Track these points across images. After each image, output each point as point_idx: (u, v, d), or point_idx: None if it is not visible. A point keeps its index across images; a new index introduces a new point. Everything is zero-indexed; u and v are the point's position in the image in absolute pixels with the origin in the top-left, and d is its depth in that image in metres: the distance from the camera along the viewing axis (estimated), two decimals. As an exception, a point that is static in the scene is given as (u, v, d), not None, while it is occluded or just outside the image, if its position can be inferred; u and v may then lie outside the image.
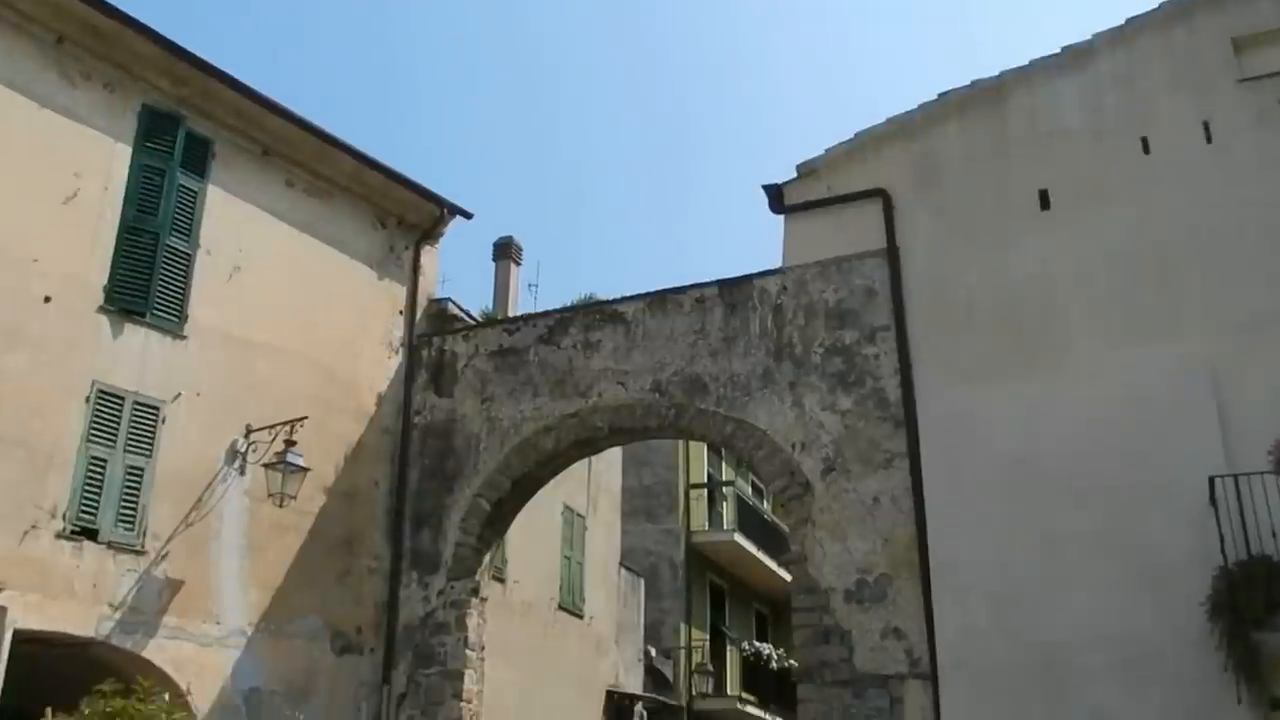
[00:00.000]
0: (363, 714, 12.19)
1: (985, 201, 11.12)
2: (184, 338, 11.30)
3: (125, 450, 10.54)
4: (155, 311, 11.11)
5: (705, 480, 23.48)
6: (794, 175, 12.11)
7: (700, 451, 23.49)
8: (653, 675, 20.03)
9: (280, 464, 11.31)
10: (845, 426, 11.30)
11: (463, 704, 12.20)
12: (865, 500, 10.93)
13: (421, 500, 13.19)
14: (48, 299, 10.23)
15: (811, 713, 10.37)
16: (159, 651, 10.23)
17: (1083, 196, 10.66)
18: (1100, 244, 10.45)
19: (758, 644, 23.57)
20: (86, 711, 4.91)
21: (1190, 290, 9.99)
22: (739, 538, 22.46)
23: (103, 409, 10.45)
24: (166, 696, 5.10)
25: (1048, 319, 10.49)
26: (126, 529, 10.41)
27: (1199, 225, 10.10)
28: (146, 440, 10.74)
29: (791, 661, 23.51)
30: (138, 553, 10.42)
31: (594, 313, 13.21)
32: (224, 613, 11.06)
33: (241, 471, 11.53)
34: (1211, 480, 9.01)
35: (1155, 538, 9.37)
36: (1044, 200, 10.88)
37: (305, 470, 11.46)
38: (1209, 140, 10.34)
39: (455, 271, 44.92)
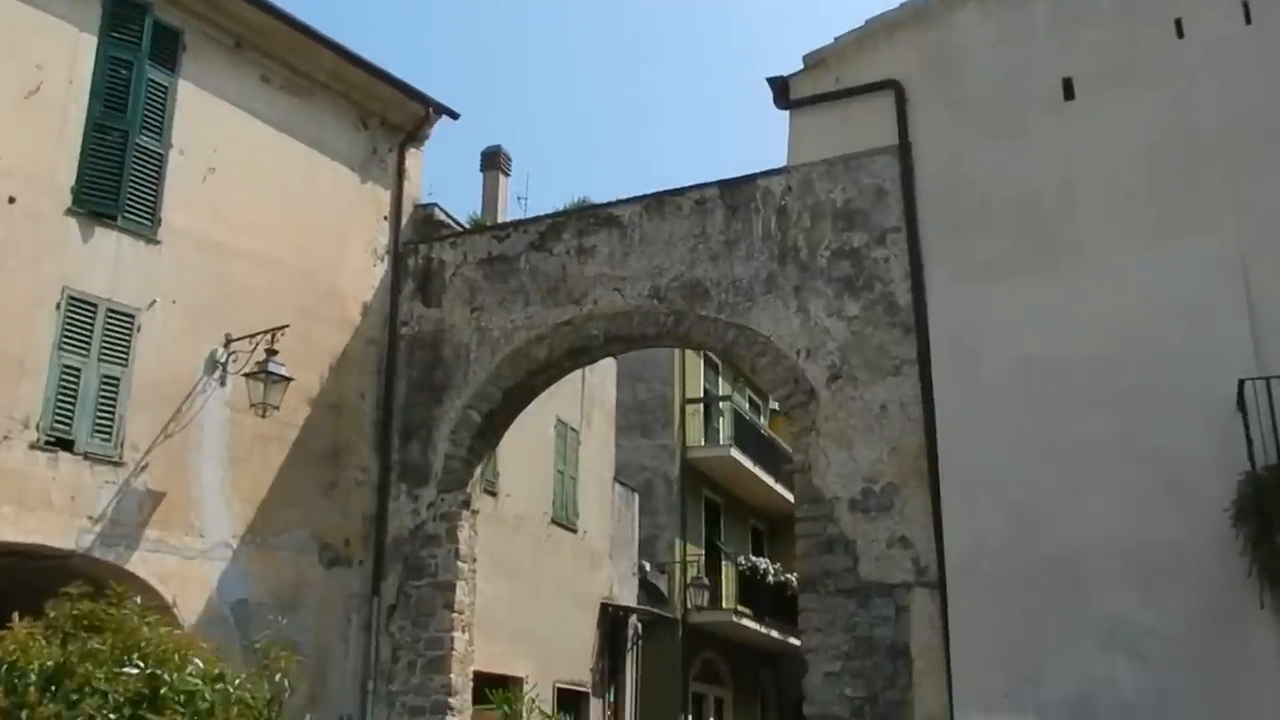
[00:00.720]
0: (352, 625, 11.95)
1: (1004, 92, 10.50)
2: (157, 243, 10.76)
3: (100, 359, 10.07)
4: (126, 215, 10.54)
5: (701, 395, 23.13)
6: (800, 67, 11.46)
7: (696, 366, 23.11)
8: (647, 590, 19.90)
9: (262, 374, 10.86)
10: (852, 333, 10.85)
11: (454, 615, 11.94)
12: (872, 408, 10.53)
13: (409, 412, 12.78)
14: (12, 200, 9.66)
15: (814, 622, 10.10)
16: (142, 564, 9.92)
17: (1109, 84, 10.05)
18: (1127, 135, 9.87)
19: (754, 558, 23.45)
20: (52, 614, 4.53)
21: (1222, 183, 9.46)
22: (735, 453, 22.18)
23: (74, 316, 9.97)
24: (139, 600, 4.68)
25: (1069, 216, 9.97)
26: (103, 440, 9.98)
27: (1234, 113, 9.52)
28: (121, 349, 10.26)
29: (788, 575, 23.53)
30: (116, 464, 10.01)
31: (588, 217, 12.65)
32: (207, 525, 10.71)
33: (222, 382, 11.07)
34: (1241, 383, 8.61)
35: (1178, 443, 9.00)
36: (1068, 89, 10.26)
37: (288, 380, 11.01)
38: (1248, 21, 9.69)
39: (441, 184, 44.11)
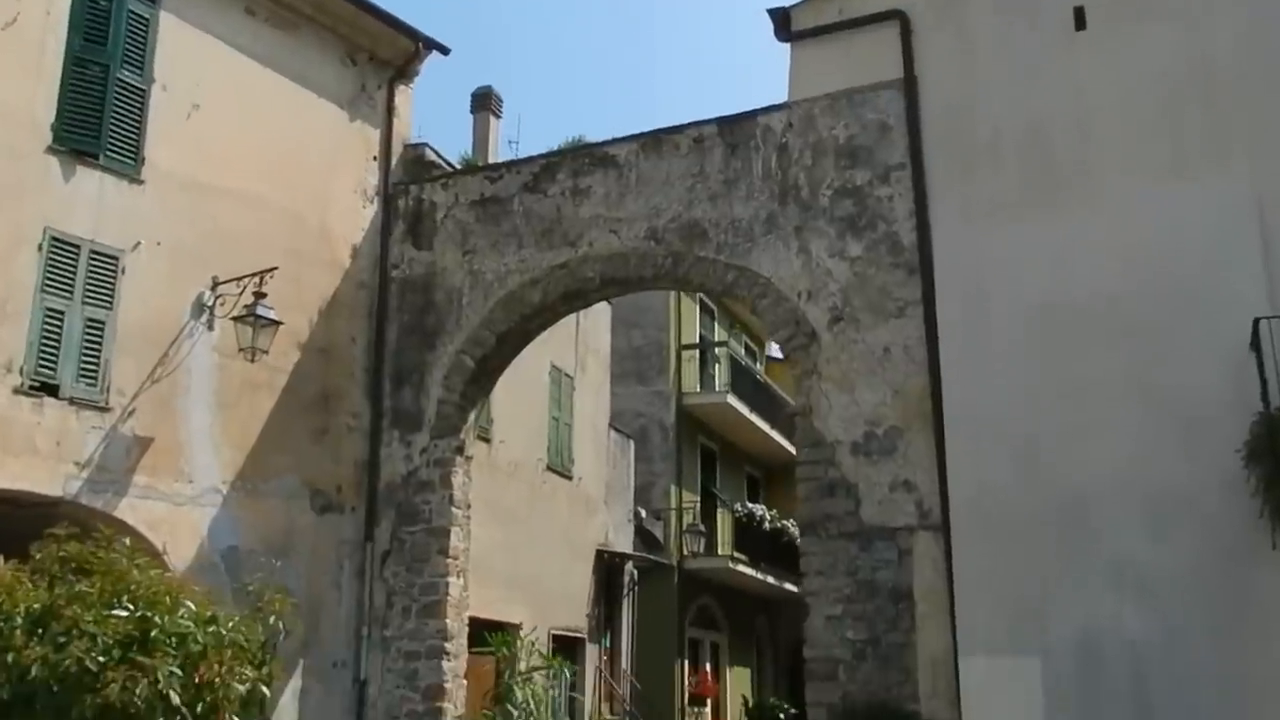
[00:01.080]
0: (345, 572, 11.82)
1: (1013, 23, 10.17)
2: (141, 182, 10.45)
3: (84, 302, 9.81)
4: (109, 153, 10.23)
5: (697, 341, 22.92)
6: (802, -2, 11.11)
7: (692, 312, 22.87)
8: (643, 536, 19.83)
9: (250, 317, 10.59)
10: (855, 274, 10.62)
11: (449, 560, 11.81)
12: (875, 350, 10.33)
13: (401, 357, 12.54)
14: (-11, 135, 9.36)
15: (815, 565, 9.99)
16: (130, 511, 9.73)
17: (1122, 14, 9.73)
18: (1140, 67, 9.58)
19: (750, 505, 23.40)
20: (38, 556, 4.33)
21: (1239, 117, 9.18)
22: (731, 399, 22.01)
23: (57, 258, 9.69)
24: (128, 541, 4.49)
25: (1079, 152, 9.70)
26: (89, 384, 9.74)
27: (1252, 44, 9.22)
28: (106, 292, 10.00)
29: (784, 522, 23.51)
30: (102, 409, 9.78)
31: (583, 156, 12.33)
32: (196, 472, 10.51)
33: (209, 326, 10.81)
34: (1256, 322, 8.41)
35: (1190, 383, 8.82)
36: (1079, 19, 9.92)
37: (277, 324, 10.76)
38: (1268, -52, 9.38)
39: (430, 127, 43.44)
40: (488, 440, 14.29)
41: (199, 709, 4.07)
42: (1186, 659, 8.31)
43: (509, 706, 5.94)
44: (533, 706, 5.90)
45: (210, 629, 4.29)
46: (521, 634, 6.13)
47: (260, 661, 4.46)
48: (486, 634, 6.30)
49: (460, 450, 12.22)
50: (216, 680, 4.14)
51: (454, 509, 12.02)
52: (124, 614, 4.08)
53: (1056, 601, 8.81)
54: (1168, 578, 8.54)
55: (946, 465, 9.57)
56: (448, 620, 11.67)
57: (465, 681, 11.90)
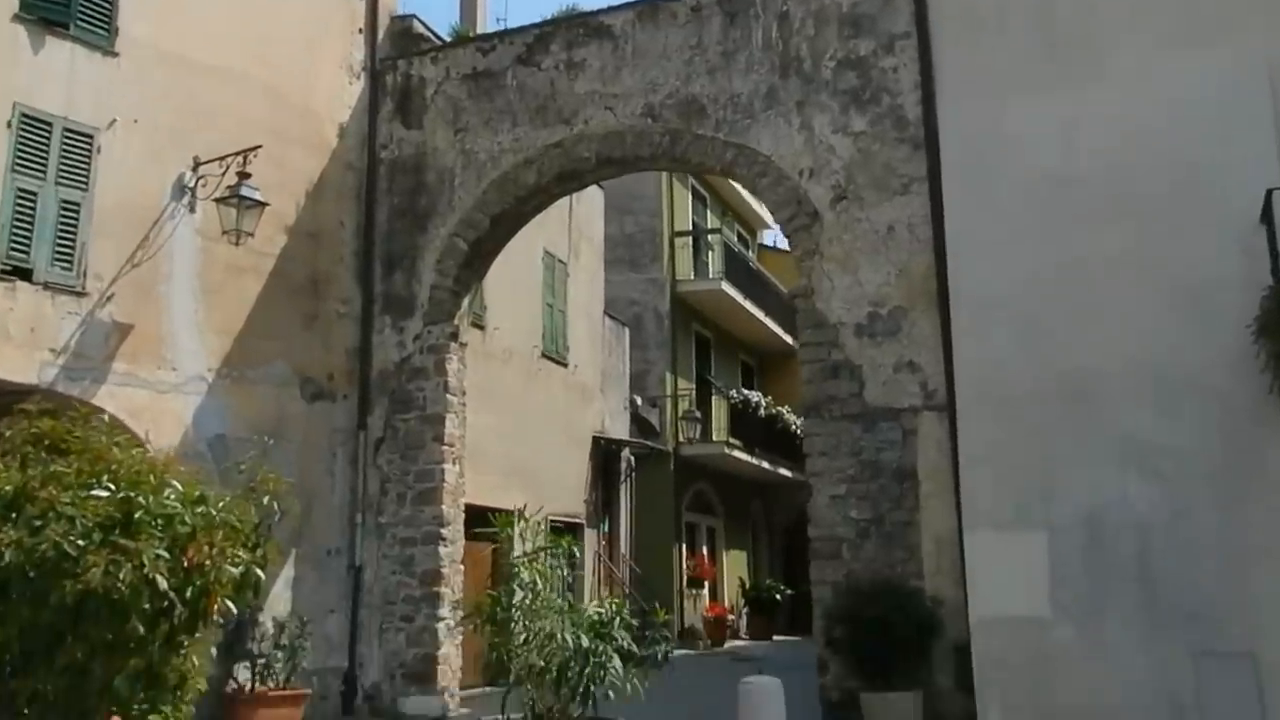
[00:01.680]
0: (338, 460, 11.69)
1: (1025, -119, 9.59)
2: (115, 55, 9.96)
3: (57, 183, 9.42)
4: (80, 23, 9.72)
5: (690, 228, 22.54)
6: None
7: (685, 198, 22.46)
8: (639, 424, 19.78)
9: (233, 198, 10.21)
10: (858, 150, 10.26)
11: (444, 447, 11.68)
12: (879, 229, 10.04)
13: (392, 241, 12.20)
14: (-52, 3, 8.85)
15: (818, 446, 9.88)
16: (110, 398, 9.41)
17: None
18: (1156, -73, 9.07)
19: (745, 391, 23.34)
20: (8, 434, 4.09)
21: (1256, -19, 8.74)
22: (726, 286, 21.77)
23: (27, 135, 9.28)
24: (106, 416, 4.25)
25: (1089, 20, 9.19)
26: (64, 269, 9.41)
27: (1279, -102, 8.71)
28: (81, 172, 9.60)
29: (779, 409, 23.50)
30: (79, 294, 9.47)
31: (577, 26, 11.79)
32: (180, 359, 10.25)
33: (191, 208, 10.43)
34: (1269, 193, 8.10)
35: (1199, 258, 8.56)
36: (1093, -122, 9.37)
37: (262, 205, 10.38)
38: None
39: (414, 2, 41.88)
40: (481, 327, 14.03)
41: (189, 593, 3.88)
42: (1191, 534, 8.24)
43: (515, 586, 5.79)
44: (541, 586, 5.76)
45: (199, 510, 4.07)
46: (526, 515, 5.95)
47: (254, 543, 4.25)
48: (490, 515, 6.14)
49: (454, 336, 11.99)
50: (207, 563, 3.94)
51: (449, 396, 11.84)
52: (104, 495, 3.85)
53: (1062, 479, 8.68)
54: (1174, 455, 8.41)
55: (952, 345, 9.34)
56: (444, 506, 11.59)
57: (462, 567, 11.89)
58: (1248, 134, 8.60)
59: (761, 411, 22.92)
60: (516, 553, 6.14)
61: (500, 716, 5.95)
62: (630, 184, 19.93)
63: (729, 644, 20.75)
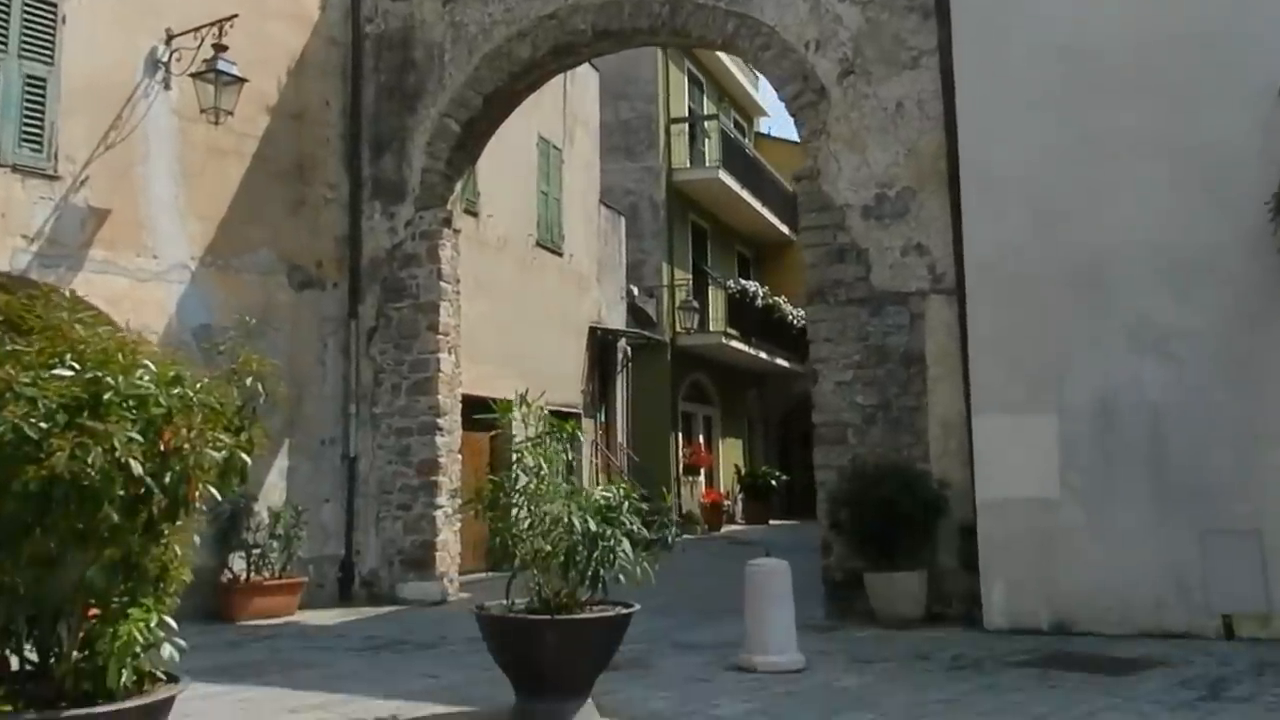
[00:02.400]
0: (329, 349, 11.40)
1: None
2: (75, -84, 9.31)
3: (20, 56, 8.90)
4: (33, -118, 9.05)
5: (686, 115, 21.89)
6: None
7: (680, 83, 21.77)
8: (635, 314, 19.49)
9: (210, 73, 9.70)
10: (866, 20, 9.74)
11: (439, 336, 11.39)
12: (887, 106, 9.59)
13: (380, 122, 11.70)
14: None
15: (823, 332, 9.61)
16: (87, 286, 9.01)
17: None
18: None
19: (743, 281, 23.01)
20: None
21: None
22: (723, 175, 21.23)
23: (-14, 7, 8.71)
24: (68, 292, 3.92)
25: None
26: (33, 150, 8.95)
27: None
28: (45, 45, 9.07)
29: (776, 299, 23.22)
30: (50, 178, 9.02)
31: (569, -111, 11.06)
32: (160, 245, 9.86)
33: (166, 85, 9.92)
34: (1290, 70, 7.72)
35: (1217, 136, 8.29)
36: None
37: (241, 81, 9.87)
38: None
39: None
40: (475, 214, 13.60)
41: (167, 479, 3.60)
42: (1203, 416, 8.12)
43: (519, 471, 5.56)
44: (546, 470, 5.53)
45: (175, 391, 3.76)
46: (529, 400, 5.69)
47: (238, 427, 3.96)
48: (491, 403, 5.88)
49: (447, 222, 11.59)
50: (186, 447, 3.65)
51: (443, 284, 11.50)
52: (69, 375, 3.54)
53: (1074, 362, 8.49)
54: (1188, 337, 8.24)
55: (962, 226, 9.02)
56: (440, 396, 11.37)
57: (460, 456, 11.73)
58: (1268, 7, 8.29)
59: (759, 301, 22.64)
60: (519, 438, 5.88)
61: (505, 601, 5.79)
62: (625, 67, 19.30)
63: (725, 529, 20.91)
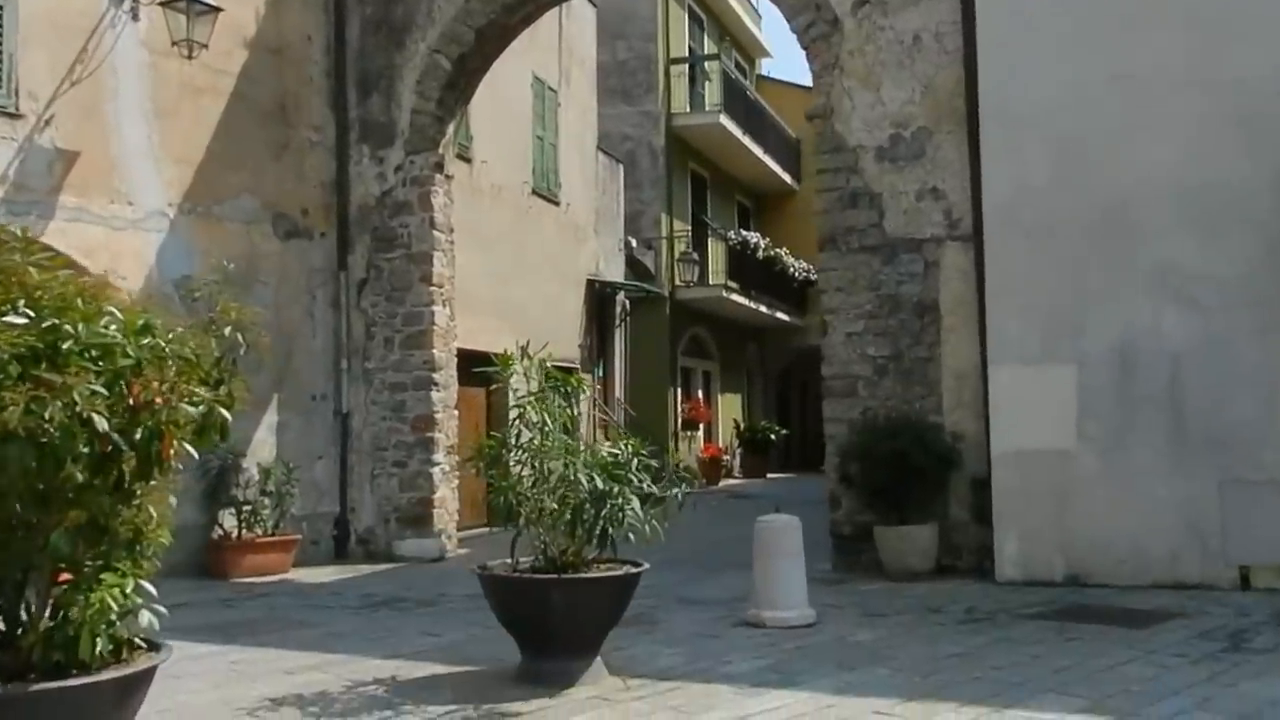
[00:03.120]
0: (318, 302, 10.97)
1: None
2: None
3: (-27, -18, 8.33)
4: None
5: (686, 55, 21.26)
6: None
7: (681, 21, 21.12)
8: (633, 266, 19.04)
9: (181, 1, 9.11)
10: (882, -56, 9.22)
11: (432, 288, 10.98)
12: (904, 39, 9.12)
13: (367, 59, 11.17)
14: None
15: (834, 281, 9.22)
16: (60, 236, 8.55)
17: None
18: None
19: (744, 232, 22.54)
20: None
21: None
22: (724, 119, 20.66)
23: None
24: (18, 230, 3.52)
25: None
26: (-7, 85, 8.43)
27: None
28: (1, -30, 8.50)
29: (777, 250, 22.78)
30: (12, 116, 8.50)
31: None
32: (136, 191, 9.39)
33: (134, 15, 9.33)
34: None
35: (1249, 73, 7.92)
36: None
37: (215, 10, 9.35)
38: None
39: None
40: (468, 160, 13.11)
41: (137, 436, 3.22)
42: (1225, 364, 7.85)
43: (522, 426, 5.20)
44: (551, 426, 5.17)
45: (145, 341, 3.37)
46: (531, 353, 5.32)
47: (216, 379, 3.58)
48: (493, 357, 5.50)
49: (440, 167, 11.13)
50: (157, 401, 3.26)
51: (435, 232, 11.07)
52: (22, 322, 3.14)
53: (1094, 310, 8.15)
54: (1213, 283, 7.93)
55: (981, 168, 8.61)
56: (435, 350, 10.99)
57: (456, 412, 11.38)
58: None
59: (760, 254, 22.20)
60: (521, 392, 5.52)
61: (510, 560, 5.49)
62: (623, 3, 18.70)
63: (723, 483, 20.67)
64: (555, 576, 5.25)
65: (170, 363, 3.47)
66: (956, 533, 8.72)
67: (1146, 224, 8.08)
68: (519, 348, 5.60)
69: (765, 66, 27.62)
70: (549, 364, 5.60)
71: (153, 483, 3.48)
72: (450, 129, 11.29)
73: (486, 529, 12.43)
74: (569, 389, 5.39)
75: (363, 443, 11.07)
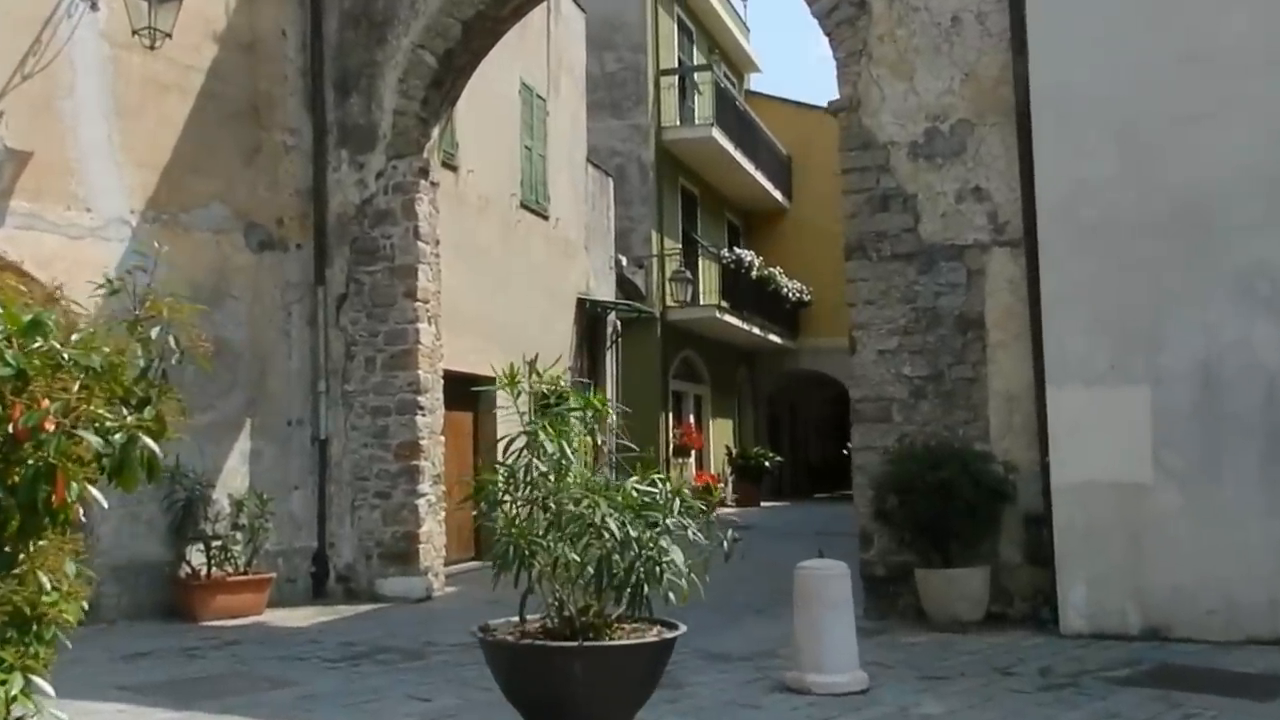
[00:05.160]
0: (294, 319, 10.03)
1: None
2: None
3: (-87, -33, 7.41)
4: None
5: (676, 66, 20.48)
6: None
7: (670, 31, 20.37)
8: (623, 286, 18.11)
9: (141, -15, 8.23)
10: (916, -84, 8.40)
11: (418, 304, 10.04)
12: (941, 21, 8.28)
13: (346, 55, 10.27)
14: None
15: (864, 294, 8.32)
16: (11, 244, 7.77)
17: None
18: None
19: (738, 251, 21.71)
20: None
21: None
22: (716, 133, 19.86)
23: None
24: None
25: None
26: (-69, 77, 7.50)
27: None
28: (-57, -46, 7.59)
29: (771, 269, 21.96)
30: (-45, 111, 7.60)
31: None
32: (95, 197, 8.52)
33: (93, 5, 8.48)
34: None
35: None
36: None
37: (179, -3, 8.42)
38: None
39: None
40: (453, 168, 12.18)
41: (17, 475, 2.25)
42: (1327, 381, 6.88)
43: (535, 459, 4.21)
44: (569, 458, 4.18)
45: (35, 345, 2.42)
46: (540, 368, 4.35)
47: (140, 398, 2.62)
48: (498, 375, 4.51)
49: (424, 173, 10.22)
50: (47, 427, 2.29)
51: (420, 244, 10.14)
52: None
53: (1171, 321, 7.25)
54: (1312, 288, 6.99)
55: (1034, 162, 7.73)
56: (420, 371, 10.03)
57: (443, 438, 10.40)
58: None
59: (754, 273, 21.36)
60: (525, 416, 4.56)
61: (516, 619, 4.53)
62: (611, 13, 17.95)
63: (716, 513, 19.64)
64: (577, 644, 4.28)
65: (70, 374, 2.52)
66: (1007, 576, 7.81)
67: (1229, 221, 7.16)
68: (526, 363, 4.67)
69: (753, 81, 26.89)
70: (560, 382, 4.67)
71: (42, 542, 2.52)
72: (435, 132, 10.38)
73: (475, 563, 11.48)
74: (594, 413, 4.42)
75: (342, 471, 10.08)
